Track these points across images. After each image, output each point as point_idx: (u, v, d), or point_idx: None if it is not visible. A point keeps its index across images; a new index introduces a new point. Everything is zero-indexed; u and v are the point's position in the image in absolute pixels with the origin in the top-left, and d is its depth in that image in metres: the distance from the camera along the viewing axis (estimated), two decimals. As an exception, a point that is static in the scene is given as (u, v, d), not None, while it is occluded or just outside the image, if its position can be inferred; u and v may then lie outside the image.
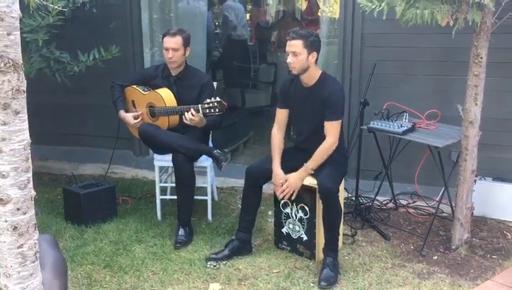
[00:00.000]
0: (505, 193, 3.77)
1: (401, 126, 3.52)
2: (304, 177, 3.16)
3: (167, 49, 3.64)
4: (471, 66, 3.13)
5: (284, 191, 3.17)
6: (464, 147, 3.23)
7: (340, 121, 3.16)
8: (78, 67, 4.03)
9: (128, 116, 3.78)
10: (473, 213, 3.43)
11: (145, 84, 3.84)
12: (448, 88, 3.99)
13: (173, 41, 3.63)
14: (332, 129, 3.13)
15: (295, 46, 3.07)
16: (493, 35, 3.10)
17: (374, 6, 3.11)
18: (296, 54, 3.07)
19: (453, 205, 3.42)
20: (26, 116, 1.57)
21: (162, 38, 3.70)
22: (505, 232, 3.64)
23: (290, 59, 3.10)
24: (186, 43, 3.69)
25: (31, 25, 3.60)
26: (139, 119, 3.76)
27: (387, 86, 4.13)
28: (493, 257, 3.32)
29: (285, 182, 3.16)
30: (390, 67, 4.13)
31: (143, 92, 3.78)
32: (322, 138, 3.15)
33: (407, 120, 3.61)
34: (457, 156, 3.37)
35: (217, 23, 8.10)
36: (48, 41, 3.79)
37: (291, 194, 3.17)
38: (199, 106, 3.43)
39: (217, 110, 3.40)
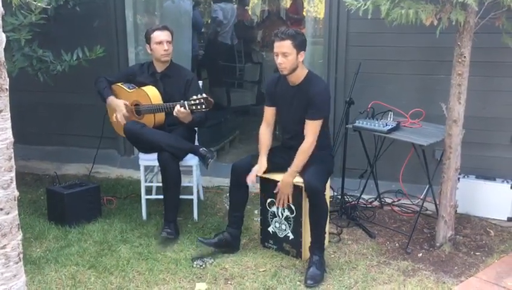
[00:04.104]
0: (488, 190, 3.82)
1: (386, 125, 3.54)
2: (291, 180, 3.14)
3: (161, 42, 3.63)
4: (455, 66, 3.17)
5: (280, 200, 3.17)
6: (447, 145, 3.26)
7: (321, 120, 3.15)
8: (61, 66, 3.98)
9: (119, 102, 3.70)
10: (456, 211, 3.47)
11: (130, 82, 3.81)
12: (432, 87, 4.02)
13: (166, 34, 3.67)
14: (312, 128, 3.14)
15: (285, 46, 3.05)
16: (476, 35, 3.14)
17: (359, 5, 3.13)
18: (287, 54, 3.06)
19: (437, 202, 3.45)
20: (9, 115, 1.55)
21: (150, 34, 3.67)
22: (487, 229, 3.69)
23: (280, 60, 3.08)
24: (173, 38, 3.72)
25: (13, 23, 3.54)
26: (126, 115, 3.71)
27: (372, 85, 4.15)
28: (476, 253, 3.36)
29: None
30: (375, 66, 4.15)
31: (128, 90, 3.75)
32: None
33: (392, 119, 3.64)
34: (441, 154, 3.41)
35: (204, 22, 8.07)
36: (30, 40, 3.74)
37: (287, 199, 3.17)
38: (185, 102, 3.42)
39: (204, 106, 3.39)
